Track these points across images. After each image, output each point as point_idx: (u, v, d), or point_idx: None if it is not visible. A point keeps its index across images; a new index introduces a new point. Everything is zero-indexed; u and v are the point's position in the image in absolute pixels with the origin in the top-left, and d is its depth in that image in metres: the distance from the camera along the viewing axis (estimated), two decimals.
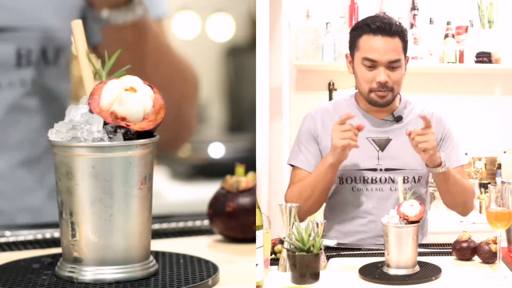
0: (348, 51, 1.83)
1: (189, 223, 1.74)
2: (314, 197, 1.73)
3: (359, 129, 1.66)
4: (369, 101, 1.78)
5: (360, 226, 1.78)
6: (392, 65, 1.74)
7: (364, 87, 1.77)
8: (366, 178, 1.76)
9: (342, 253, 1.65)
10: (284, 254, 1.51)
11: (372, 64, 1.74)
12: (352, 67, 1.80)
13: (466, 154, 2.17)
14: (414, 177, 1.77)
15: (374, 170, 1.76)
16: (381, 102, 1.77)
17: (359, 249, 1.69)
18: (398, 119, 1.80)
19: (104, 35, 1.75)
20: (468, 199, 1.82)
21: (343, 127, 1.65)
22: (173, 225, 1.73)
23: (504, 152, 2.16)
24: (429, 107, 1.83)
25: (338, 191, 1.79)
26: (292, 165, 1.82)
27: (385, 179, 1.76)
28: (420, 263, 1.51)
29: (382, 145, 1.77)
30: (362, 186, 1.76)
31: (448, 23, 2.17)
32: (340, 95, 2.07)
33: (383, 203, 1.74)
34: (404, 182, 1.72)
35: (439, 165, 1.69)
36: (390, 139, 1.78)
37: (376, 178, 1.76)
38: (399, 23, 1.78)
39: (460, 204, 1.82)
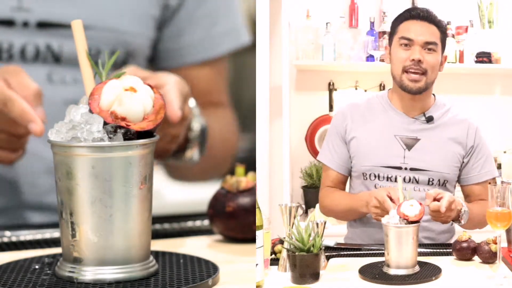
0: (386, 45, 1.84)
1: (189, 223, 1.74)
2: (346, 219, 1.81)
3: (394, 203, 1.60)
4: (400, 85, 1.75)
5: (379, 225, 1.76)
6: (428, 46, 1.74)
7: (398, 68, 1.75)
8: (390, 176, 1.74)
9: (342, 253, 1.65)
10: (284, 254, 1.51)
11: (409, 43, 1.74)
12: (389, 57, 1.79)
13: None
14: (439, 180, 1.75)
15: (399, 168, 1.74)
16: (412, 87, 1.74)
17: (359, 249, 1.69)
18: (429, 119, 1.77)
19: None
20: (484, 222, 1.78)
21: (380, 205, 1.62)
22: (173, 225, 1.73)
23: (504, 152, 2.16)
24: (465, 114, 1.81)
25: (360, 187, 1.77)
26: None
27: (409, 178, 1.74)
28: (420, 263, 1.51)
29: (409, 144, 1.75)
30: (385, 184, 1.73)
31: (448, 23, 2.17)
32: (340, 95, 2.07)
33: None
34: (428, 184, 1.73)
35: (457, 218, 1.67)
36: (419, 139, 1.76)
37: (400, 176, 1.69)
38: (440, 18, 1.79)
39: (476, 227, 1.76)
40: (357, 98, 1.90)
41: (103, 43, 1.82)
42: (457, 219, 1.66)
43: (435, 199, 1.59)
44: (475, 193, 1.77)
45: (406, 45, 1.74)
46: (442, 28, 1.77)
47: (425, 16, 1.75)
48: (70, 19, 1.40)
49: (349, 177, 1.83)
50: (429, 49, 1.74)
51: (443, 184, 1.74)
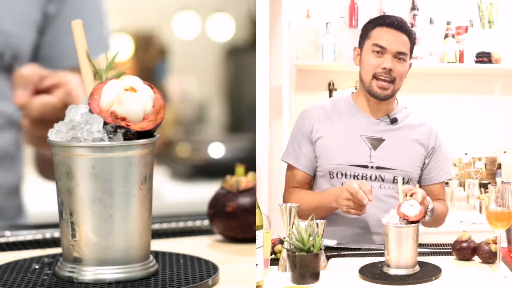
0: (354, 48, 1.87)
1: (189, 223, 1.74)
2: (310, 215, 1.76)
3: (368, 199, 1.67)
4: (369, 91, 1.81)
5: (348, 223, 1.79)
6: (399, 56, 1.80)
7: (368, 73, 1.81)
8: (356, 174, 1.79)
9: (342, 253, 1.66)
10: (284, 254, 1.51)
11: (381, 51, 1.80)
12: (359, 59, 1.84)
13: (466, 154, 2.18)
14: (404, 178, 1.78)
15: (366, 167, 1.79)
16: (380, 94, 1.80)
17: (359, 249, 1.69)
18: (393, 121, 1.83)
19: None
20: (442, 220, 1.87)
21: (352, 197, 1.67)
22: (173, 225, 1.73)
23: (504, 152, 2.16)
24: (426, 117, 1.88)
25: (327, 186, 1.81)
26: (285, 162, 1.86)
27: (375, 177, 1.79)
28: (420, 263, 1.51)
29: (375, 144, 1.81)
30: (352, 182, 1.76)
31: (448, 23, 2.17)
32: (340, 95, 2.07)
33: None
34: (393, 182, 1.78)
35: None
36: (384, 139, 1.81)
37: (366, 175, 1.79)
38: (410, 27, 1.86)
39: (434, 226, 1.85)
40: (322, 101, 1.96)
41: None
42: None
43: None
44: (434, 193, 1.82)
45: (378, 52, 1.80)
46: (412, 38, 1.83)
47: (399, 25, 1.82)
48: None
49: (313, 177, 1.87)
50: (399, 59, 1.80)
51: (407, 182, 1.80)
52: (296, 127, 1.87)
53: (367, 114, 1.83)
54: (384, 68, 1.79)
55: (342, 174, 1.79)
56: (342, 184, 1.77)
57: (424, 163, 1.83)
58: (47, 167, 2.00)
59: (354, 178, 1.78)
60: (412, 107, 1.90)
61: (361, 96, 1.85)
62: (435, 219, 1.76)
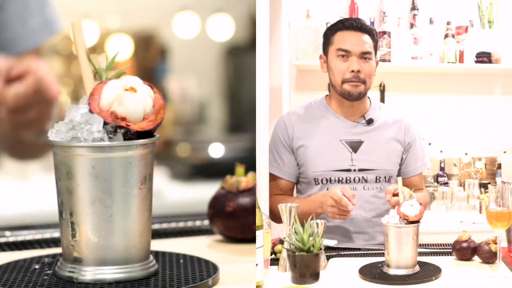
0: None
1: (189, 223, 1.74)
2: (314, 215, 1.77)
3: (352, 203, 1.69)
4: (341, 93, 1.83)
5: (336, 224, 1.80)
6: (364, 56, 1.82)
7: (337, 79, 1.83)
8: (340, 179, 1.82)
9: (342, 253, 1.66)
10: (284, 254, 1.51)
11: (346, 54, 1.82)
12: (326, 66, 1.87)
13: (466, 154, 2.18)
14: (385, 177, 1.83)
15: (348, 170, 1.82)
16: (353, 93, 1.82)
17: (359, 249, 1.69)
18: (369, 121, 1.86)
19: None
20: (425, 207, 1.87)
21: (336, 204, 1.69)
22: (173, 225, 1.73)
23: (504, 152, 2.16)
24: (399, 114, 1.90)
25: (312, 192, 1.83)
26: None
27: (359, 179, 1.82)
28: (420, 263, 1.51)
29: (354, 147, 1.84)
30: (337, 186, 1.79)
31: (448, 23, 2.18)
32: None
33: (357, 202, 1.76)
34: (376, 182, 1.83)
35: None
36: (362, 141, 1.84)
37: (350, 178, 1.82)
38: (370, 25, 1.88)
39: None
40: (294, 107, 1.97)
41: None
42: None
43: (394, 195, 1.65)
44: (413, 184, 1.84)
45: (343, 56, 1.83)
46: (374, 36, 1.85)
47: (358, 26, 1.84)
48: None
49: (295, 184, 1.89)
50: (365, 58, 1.83)
51: (388, 180, 1.84)
52: (274, 137, 1.88)
53: (342, 117, 1.86)
54: (352, 71, 1.81)
55: (326, 180, 1.82)
56: (327, 189, 1.80)
57: (402, 158, 1.87)
58: (20, 149, 2.03)
59: (338, 183, 1.81)
60: (384, 105, 1.94)
61: (335, 100, 1.87)
62: None
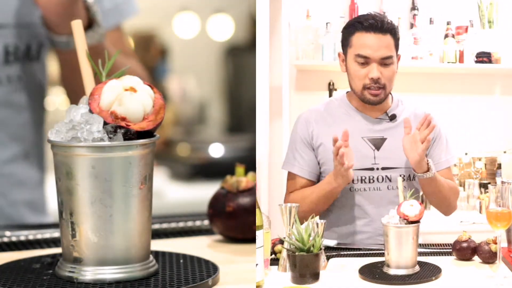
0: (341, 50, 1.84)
1: (189, 223, 1.74)
2: (316, 211, 1.71)
3: (345, 135, 1.66)
4: (362, 99, 1.79)
5: (359, 227, 1.78)
6: (384, 62, 1.76)
7: (357, 84, 1.78)
8: (363, 178, 1.76)
9: (342, 253, 1.66)
10: (284, 254, 1.51)
11: (365, 61, 1.76)
12: (345, 65, 1.81)
13: (466, 154, 2.18)
14: (409, 175, 1.77)
15: (371, 169, 1.77)
16: (374, 100, 1.77)
17: (359, 249, 1.69)
18: (392, 117, 1.80)
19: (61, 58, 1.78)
20: (452, 200, 1.83)
21: (334, 152, 1.65)
22: (173, 225, 1.73)
23: (504, 152, 2.16)
24: (421, 108, 1.84)
25: None
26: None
27: (382, 178, 1.77)
28: (420, 263, 1.51)
29: (377, 144, 1.79)
30: (360, 186, 1.76)
31: (448, 23, 2.17)
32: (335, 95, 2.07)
33: (381, 203, 1.74)
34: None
35: (427, 171, 1.71)
36: (385, 138, 1.79)
37: (373, 177, 1.77)
38: (391, 21, 1.79)
39: (444, 205, 1.82)
40: (316, 104, 1.92)
41: (19, 38, 1.83)
42: (427, 169, 1.71)
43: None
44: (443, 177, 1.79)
45: (362, 63, 1.76)
46: (395, 33, 1.77)
47: (379, 26, 1.75)
48: None
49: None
50: (386, 64, 1.76)
51: (413, 179, 1.77)
52: (294, 134, 1.83)
53: (365, 114, 1.81)
54: (372, 78, 1.75)
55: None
56: (350, 189, 1.76)
57: (427, 154, 1.77)
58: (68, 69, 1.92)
59: (361, 182, 1.76)
60: (406, 100, 1.87)
61: (356, 98, 1.81)
62: (444, 188, 1.75)
